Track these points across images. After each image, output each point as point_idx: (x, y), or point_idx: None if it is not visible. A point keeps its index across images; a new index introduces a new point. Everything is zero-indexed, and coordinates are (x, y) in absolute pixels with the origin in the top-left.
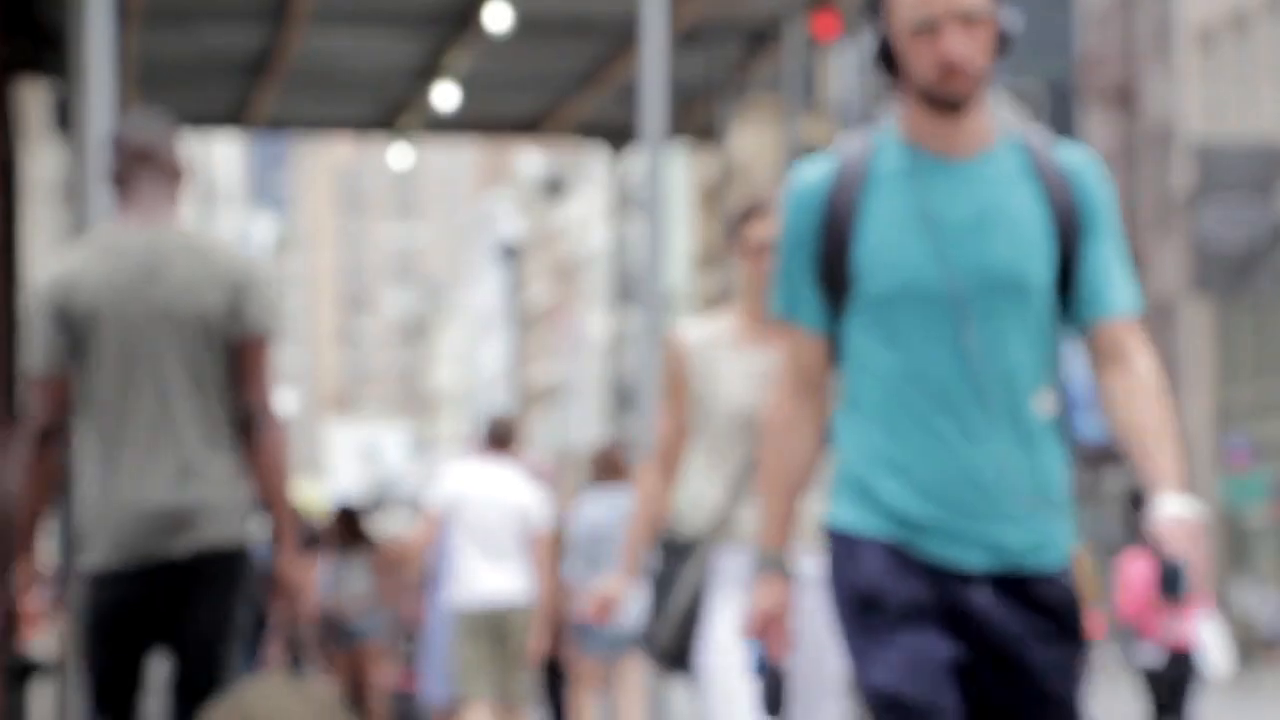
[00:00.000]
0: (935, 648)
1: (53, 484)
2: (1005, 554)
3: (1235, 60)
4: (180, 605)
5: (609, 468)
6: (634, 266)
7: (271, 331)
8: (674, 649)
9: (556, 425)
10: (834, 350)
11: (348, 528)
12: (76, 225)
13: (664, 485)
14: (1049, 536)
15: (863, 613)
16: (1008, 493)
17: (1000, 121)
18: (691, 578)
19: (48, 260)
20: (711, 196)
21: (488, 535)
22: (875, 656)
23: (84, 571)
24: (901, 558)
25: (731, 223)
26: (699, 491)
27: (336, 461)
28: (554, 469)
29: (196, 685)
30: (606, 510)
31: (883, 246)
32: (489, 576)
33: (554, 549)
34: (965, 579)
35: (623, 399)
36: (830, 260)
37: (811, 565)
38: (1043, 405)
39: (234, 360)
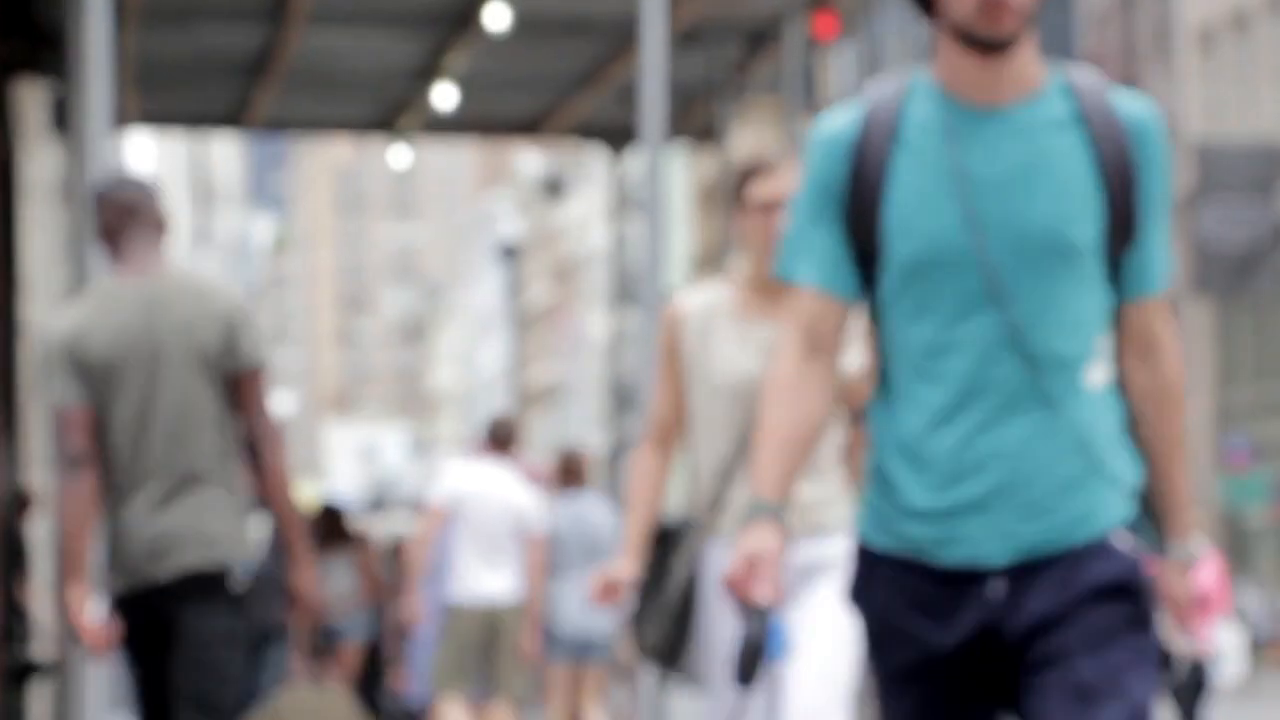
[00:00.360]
0: (948, 696)
1: (94, 507)
2: (1035, 543)
3: (1235, 60)
4: (172, 624)
5: (570, 474)
6: (634, 267)
7: (264, 363)
8: (665, 647)
9: (556, 426)
10: (846, 315)
11: (330, 527)
12: (74, 225)
13: (660, 465)
14: (1091, 507)
15: (878, 647)
16: (1047, 482)
17: (1047, 64)
18: (681, 570)
19: (54, 314)
20: (711, 197)
21: (484, 534)
22: (891, 703)
23: (109, 596)
24: (910, 579)
25: (734, 183)
26: (690, 473)
27: (335, 462)
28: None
29: (195, 697)
30: (566, 516)
31: (911, 206)
32: (483, 575)
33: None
34: (984, 576)
35: (622, 399)
36: (858, 221)
37: (802, 553)
38: (1094, 376)
39: (232, 391)
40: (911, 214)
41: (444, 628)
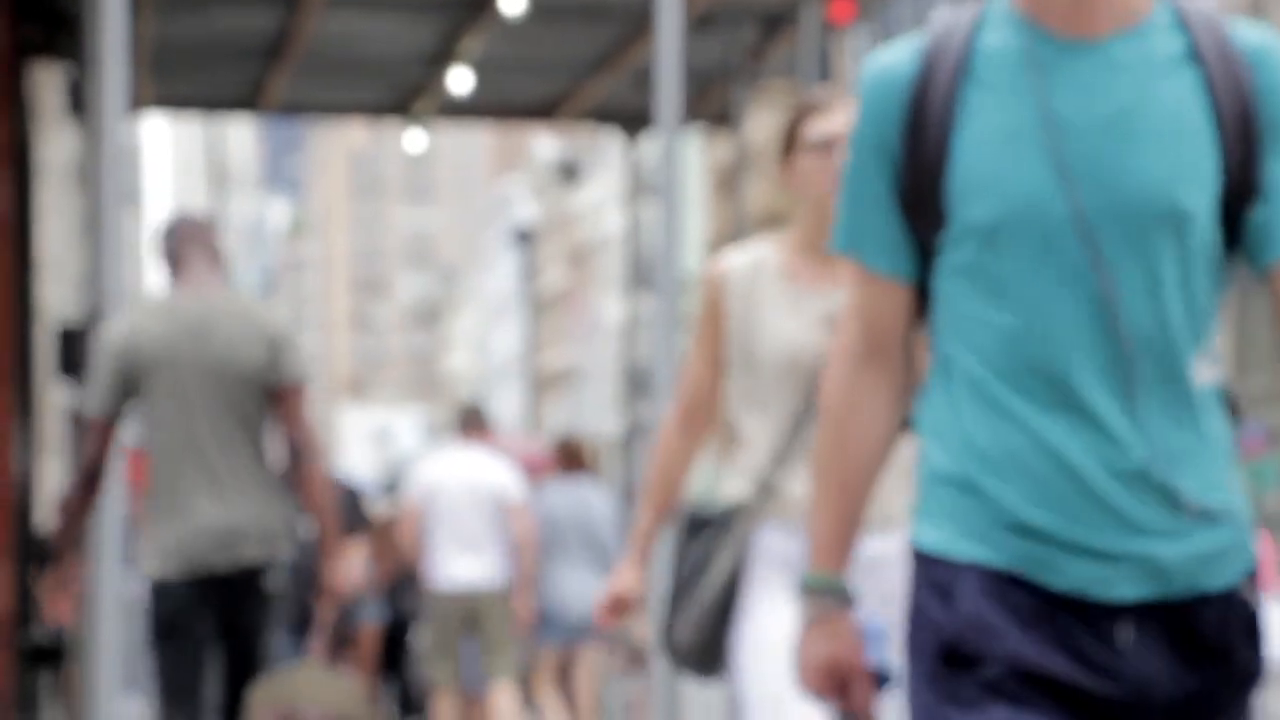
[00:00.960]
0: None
1: (90, 509)
2: (1161, 576)
3: None
4: (225, 610)
5: (569, 459)
6: (649, 252)
7: (305, 379)
8: (700, 649)
9: (570, 410)
10: (918, 303)
11: (347, 510)
12: (89, 208)
13: (688, 446)
14: (1216, 546)
15: (948, 673)
16: (1160, 493)
17: None
18: (725, 562)
19: (113, 321)
20: (726, 182)
21: (462, 520)
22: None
23: (148, 580)
24: (1013, 594)
25: (785, 130)
26: (736, 455)
27: (350, 445)
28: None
29: (239, 675)
30: (564, 502)
31: (985, 161)
32: (462, 561)
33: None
34: (1107, 612)
35: (637, 385)
36: (915, 179)
37: (881, 546)
38: (1203, 374)
39: (275, 404)
40: (988, 168)
41: (425, 616)
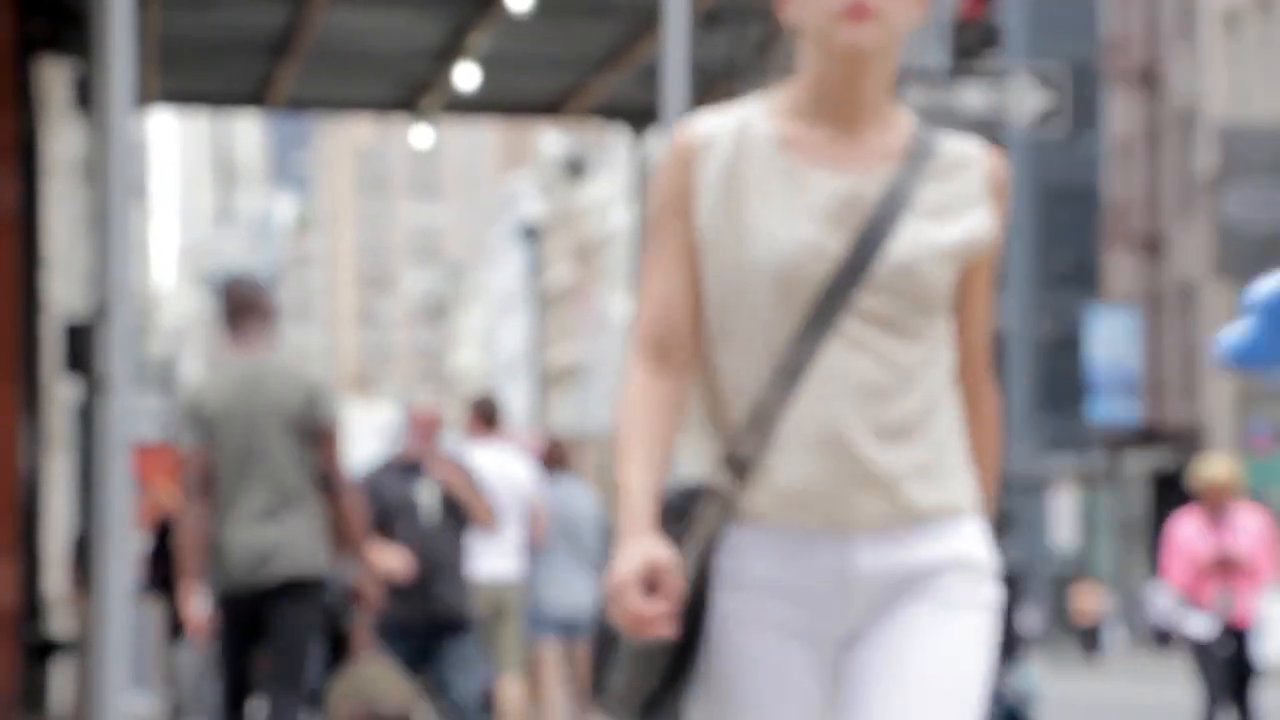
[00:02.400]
0: None
1: (205, 526)
2: None
3: (1260, 42)
4: (274, 619)
5: (554, 458)
6: None
7: (337, 423)
8: (645, 694)
9: (576, 406)
10: None
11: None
12: (96, 203)
13: (667, 396)
14: None
15: None
16: None
17: None
18: (695, 554)
19: (192, 380)
20: None
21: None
22: None
23: (214, 595)
24: None
25: None
26: (703, 414)
27: (356, 441)
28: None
29: (283, 677)
30: (548, 500)
31: None
32: (489, 555)
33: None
34: None
35: None
36: None
37: (931, 550)
38: None
39: (312, 443)
40: None
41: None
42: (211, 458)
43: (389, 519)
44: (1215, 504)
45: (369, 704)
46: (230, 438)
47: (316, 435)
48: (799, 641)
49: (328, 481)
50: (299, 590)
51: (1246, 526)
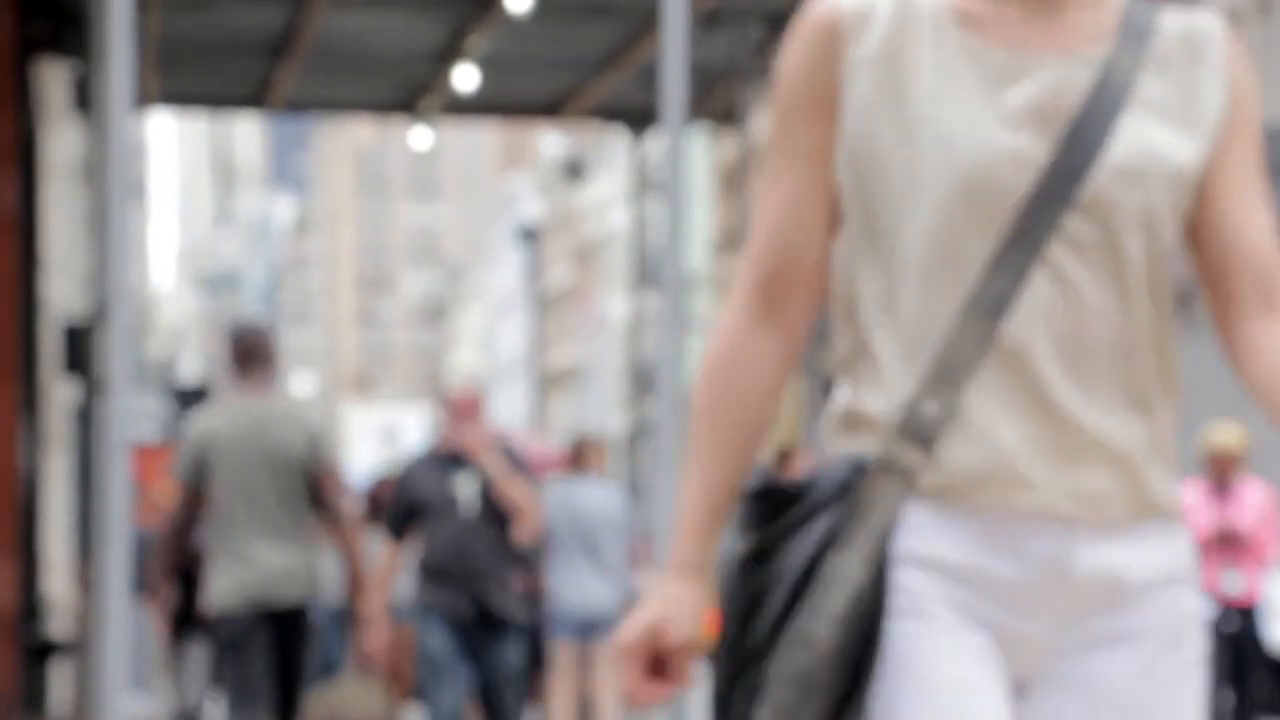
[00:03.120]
0: None
1: (182, 552)
2: None
3: (1262, 42)
4: (278, 636)
5: (578, 459)
6: (654, 249)
7: (337, 463)
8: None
9: (576, 408)
10: None
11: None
12: (95, 205)
13: (774, 351)
14: None
15: None
16: None
17: None
18: (843, 583)
19: (197, 416)
20: (732, 180)
21: None
22: None
23: (215, 613)
24: None
25: None
26: (860, 372)
27: (355, 442)
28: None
29: (290, 685)
30: (564, 501)
31: None
32: None
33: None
34: None
35: (642, 382)
36: None
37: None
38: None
39: (314, 484)
40: None
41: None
42: (212, 493)
43: (425, 514)
44: (1221, 474)
45: (335, 713)
46: (235, 475)
47: (318, 476)
48: (987, 636)
49: (331, 518)
50: (293, 617)
51: (1252, 501)
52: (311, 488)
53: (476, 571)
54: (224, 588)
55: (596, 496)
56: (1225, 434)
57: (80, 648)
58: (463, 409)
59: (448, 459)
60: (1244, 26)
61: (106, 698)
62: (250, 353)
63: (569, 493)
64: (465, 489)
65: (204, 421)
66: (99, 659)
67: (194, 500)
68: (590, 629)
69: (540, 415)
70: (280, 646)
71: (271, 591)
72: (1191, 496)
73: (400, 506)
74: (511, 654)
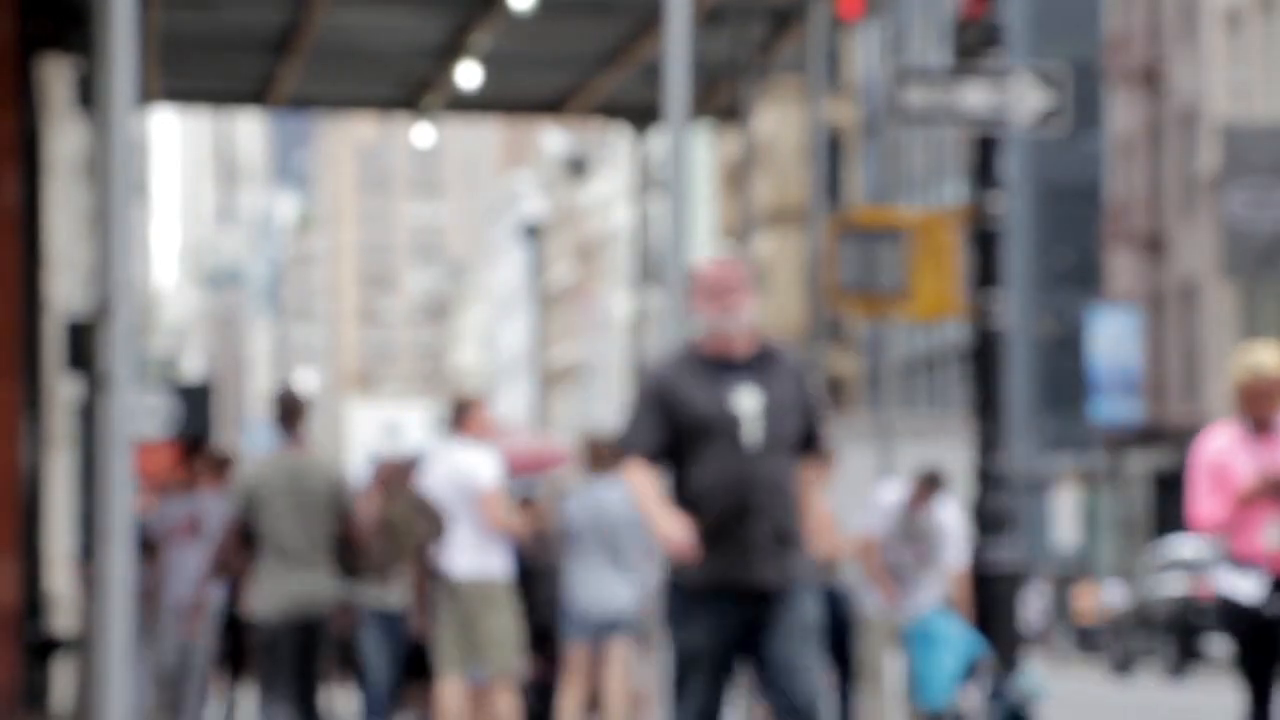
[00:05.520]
0: None
1: (233, 571)
2: None
3: (1262, 41)
4: (308, 643)
5: (595, 458)
6: (657, 246)
7: (353, 508)
8: None
9: (578, 405)
10: None
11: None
12: (98, 202)
13: None
14: None
15: None
16: None
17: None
18: None
19: (245, 469)
20: (734, 177)
21: (458, 515)
22: None
23: (260, 621)
24: None
25: None
26: None
27: (357, 440)
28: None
29: (309, 684)
30: (582, 502)
31: None
32: (467, 552)
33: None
34: None
35: None
36: None
37: None
38: None
39: (340, 523)
40: None
41: (442, 607)
42: (257, 528)
43: (701, 434)
44: (1261, 409)
45: None
46: (279, 514)
47: (343, 517)
48: None
49: (355, 545)
50: (314, 626)
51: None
52: (335, 523)
53: (752, 516)
54: (263, 601)
55: (616, 495)
56: (1266, 356)
57: (82, 644)
58: (719, 291)
59: (720, 364)
60: (1245, 25)
61: (108, 694)
62: (291, 412)
63: (589, 493)
64: (748, 405)
65: (250, 470)
66: (101, 656)
67: (239, 536)
68: (606, 629)
69: (542, 412)
70: (303, 649)
71: (304, 608)
72: (1222, 441)
73: None
74: (797, 641)
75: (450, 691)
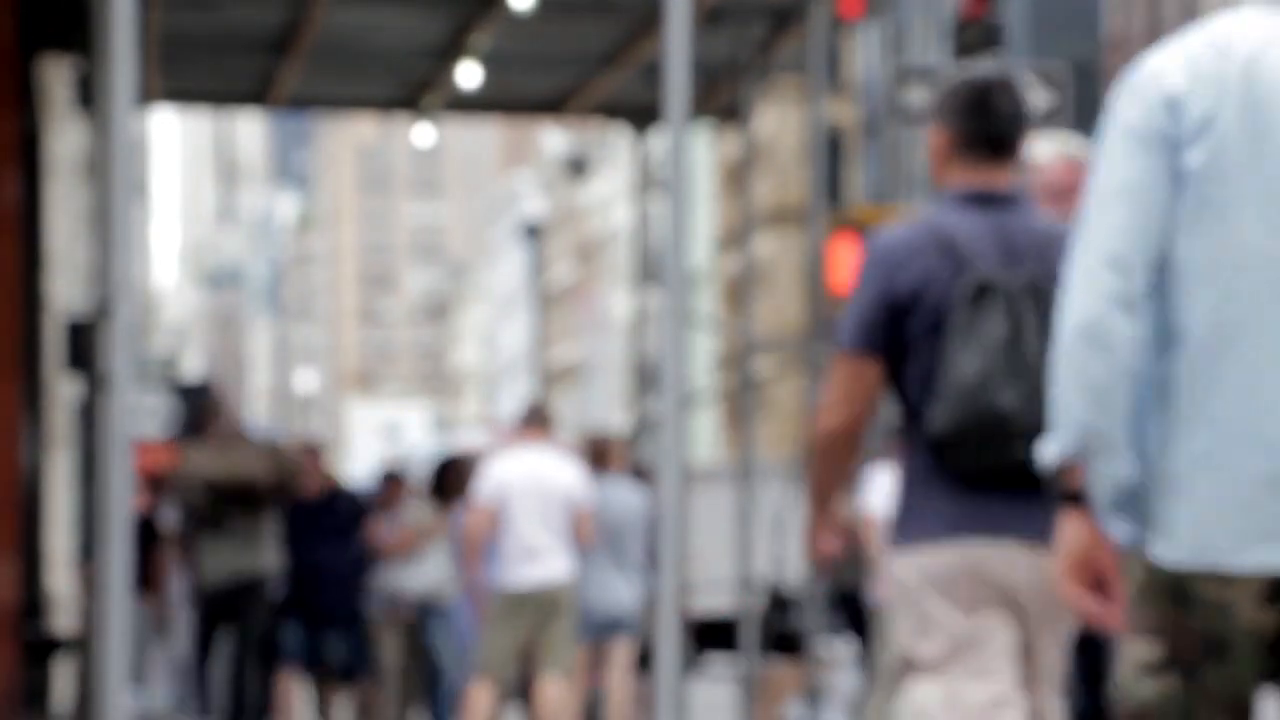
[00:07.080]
0: None
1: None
2: None
3: None
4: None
5: (598, 457)
6: (657, 246)
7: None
8: None
9: (578, 405)
10: None
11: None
12: (98, 202)
13: None
14: None
15: None
16: None
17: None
18: None
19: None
20: (735, 177)
21: (537, 519)
22: None
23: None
24: None
25: None
26: None
27: (357, 440)
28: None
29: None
30: (613, 500)
31: None
32: (540, 558)
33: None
34: None
35: (644, 380)
36: None
37: None
38: None
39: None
40: None
41: (495, 614)
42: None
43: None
44: None
45: None
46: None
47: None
48: None
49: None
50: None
51: None
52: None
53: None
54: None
55: (620, 495)
56: None
57: (83, 644)
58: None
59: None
60: None
61: (109, 694)
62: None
63: (598, 492)
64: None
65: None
66: (101, 656)
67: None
68: (607, 629)
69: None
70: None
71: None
72: None
73: None
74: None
75: (482, 696)
